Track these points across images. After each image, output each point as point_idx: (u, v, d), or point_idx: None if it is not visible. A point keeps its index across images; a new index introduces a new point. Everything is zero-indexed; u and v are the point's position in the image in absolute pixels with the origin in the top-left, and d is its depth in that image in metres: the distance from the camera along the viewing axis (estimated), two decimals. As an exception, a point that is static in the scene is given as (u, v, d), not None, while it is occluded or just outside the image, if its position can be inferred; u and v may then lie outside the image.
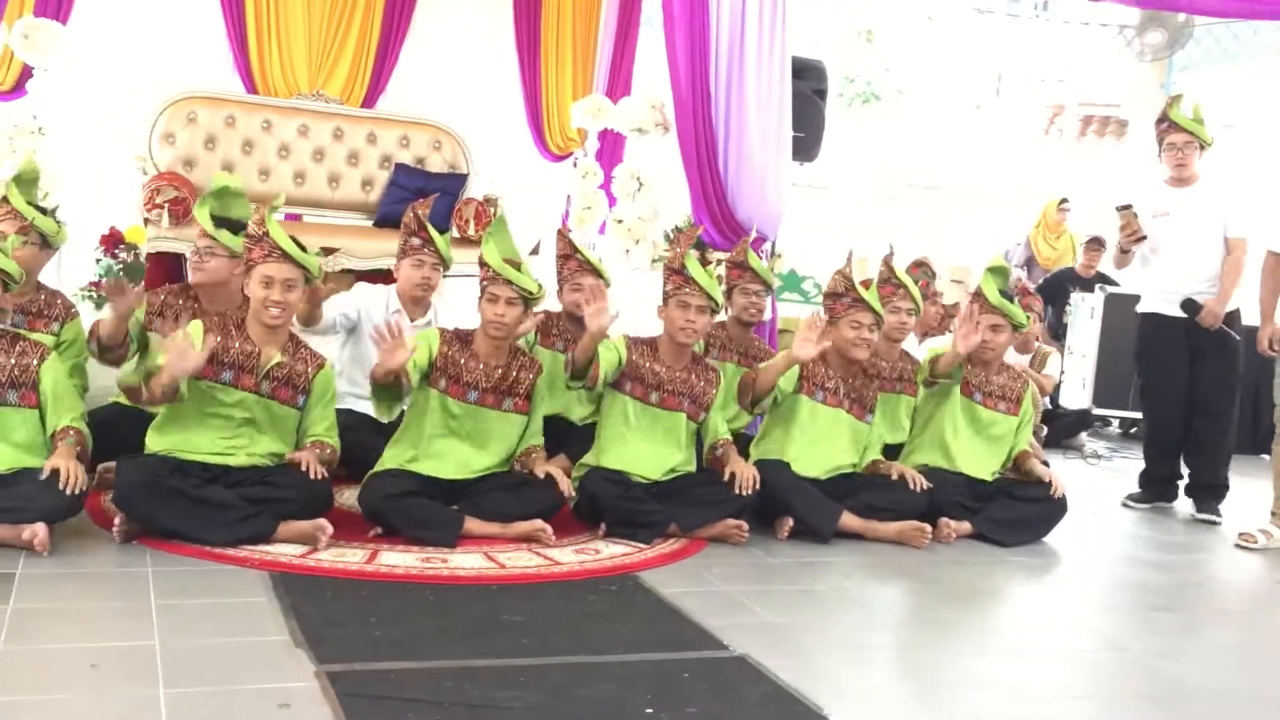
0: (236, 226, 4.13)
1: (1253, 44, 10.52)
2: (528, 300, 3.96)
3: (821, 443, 4.45)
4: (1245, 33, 10.50)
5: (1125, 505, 5.49)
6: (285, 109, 6.90)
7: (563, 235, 4.94)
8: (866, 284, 4.50)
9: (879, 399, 4.64)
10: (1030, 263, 9.73)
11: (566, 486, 3.97)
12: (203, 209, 4.17)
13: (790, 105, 5.89)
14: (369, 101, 7.79)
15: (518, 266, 3.95)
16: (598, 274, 4.80)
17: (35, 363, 3.57)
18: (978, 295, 4.65)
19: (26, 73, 6.72)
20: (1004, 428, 4.70)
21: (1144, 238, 5.34)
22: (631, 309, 5.57)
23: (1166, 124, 5.24)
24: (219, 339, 3.66)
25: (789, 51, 5.90)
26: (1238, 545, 4.80)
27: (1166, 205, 5.29)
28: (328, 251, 3.80)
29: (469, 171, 7.04)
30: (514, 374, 4.03)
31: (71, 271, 6.29)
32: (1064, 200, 9.69)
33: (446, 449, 3.96)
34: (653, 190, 7.18)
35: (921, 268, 5.75)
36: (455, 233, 6.56)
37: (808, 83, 6.63)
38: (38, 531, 3.29)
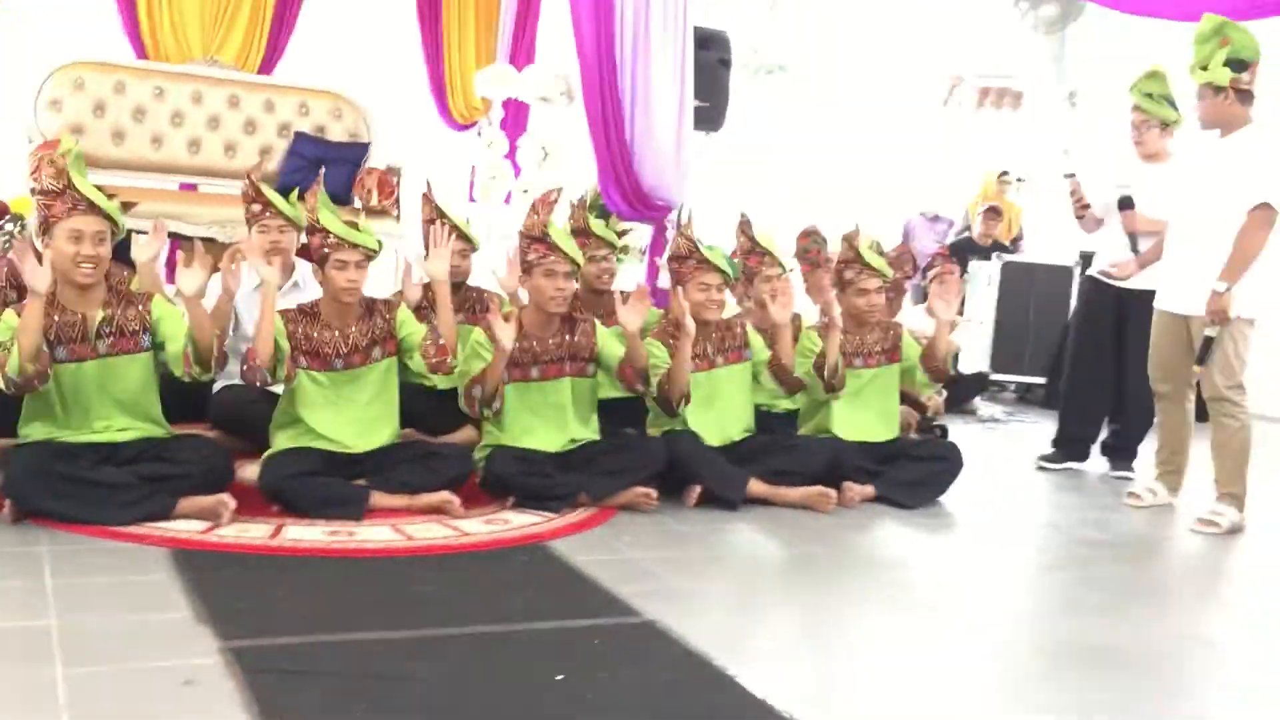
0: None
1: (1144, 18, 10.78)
2: (370, 258, 3.89)
3: (715, 408, 4.46)
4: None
5: (1040, 467, 5.62)
6: (178, 75, 6.71)
7: (427, 199, 4.77)
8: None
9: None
10: (963, 234, 9.85)
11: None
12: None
13: (693, 74, 5.90)
14: (266, 68, 7.60)
15: (355, 227, 3.88)
16: (465, 237, 4.69)
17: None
18: (855, 260, 4.66)
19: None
20: (886, 379, 4.76)
21: (1089, 205, 5.47)
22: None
23: (1132, 103, 5.35)
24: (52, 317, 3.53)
25: (691, 20, 5.91)
26: (1127, 503, 4.96)
27: (1129, 179, 5.33)
28: (126, 206, 3.67)
29: (370, 140, 6.92)
30: (373, 323, 3.94)
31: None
32: (1004, 173, 9.82)
33: (333, 419, 3.88)
34: (558, 159, 7.14)
35: (811, 236, 5.80)
36: (358, 203, 6.46)
37: (712, 52, 6.63)
38: None
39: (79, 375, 3.57)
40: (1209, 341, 4.48)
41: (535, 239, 4.08)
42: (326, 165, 6.44)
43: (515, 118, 8.07)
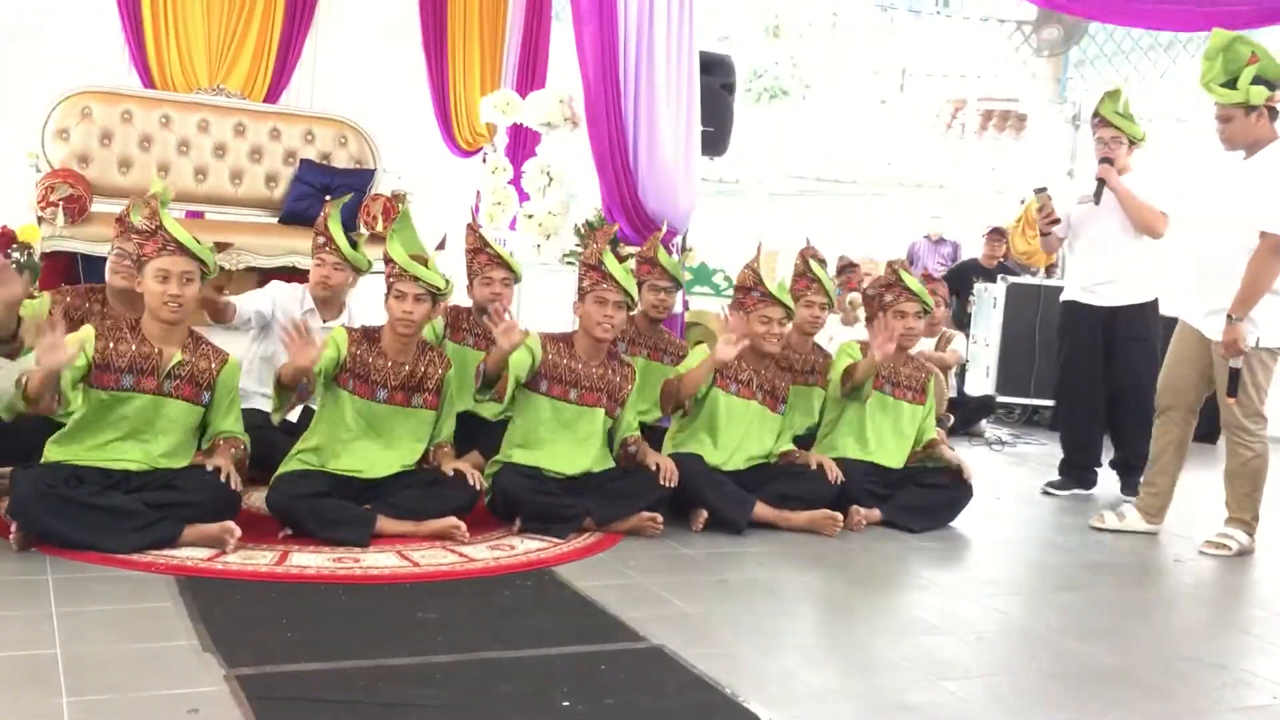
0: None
1: (1144, 40, 10.84)
2: (435, 296, 3.94)
3: (735, 434, 4.49)
4: (1138, 29, 10.80)
5: (1046, 493, 5.59)
6: (184, 104, 6.75)
7: (472, 229, 4.91)
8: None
9: (791, 390, 4.69)
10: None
11: (477, 479, 3.94)
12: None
13: (699, 99, 5.92)
14: (272, 96, 7.66)
15: (424, 262, 3.92)
16: (508, 268, 4.79)
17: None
18: (896, 284, 4.71)
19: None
20: (911, 416, 4.79)
21: (1059, 220, 5.48)
22: (543, 304, 5.55)
23: (1097, 119, 5.35)
24: (111, 344, 3.57)
25: (696, 45, 5.94)
26: (1092, 527, 4.87)
27: (1093, 194, 5.34)
28: (221, 246, 3.76)
29: (376, 167, 6.95)
30: (423, 370, 4.00)
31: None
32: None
33: (357, 448, 3.91)
34: (563, 185, 7.17)
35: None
36: (363, 229, 6.48)
37: (716, 77, 6.66)
38: None
39: (131, 403, 3.59)
40: (1235, 373, 4.41)
41: (591, 266, 4.18)
42: (331, 192, 6.50)
43: (520, 143, 8.11)
